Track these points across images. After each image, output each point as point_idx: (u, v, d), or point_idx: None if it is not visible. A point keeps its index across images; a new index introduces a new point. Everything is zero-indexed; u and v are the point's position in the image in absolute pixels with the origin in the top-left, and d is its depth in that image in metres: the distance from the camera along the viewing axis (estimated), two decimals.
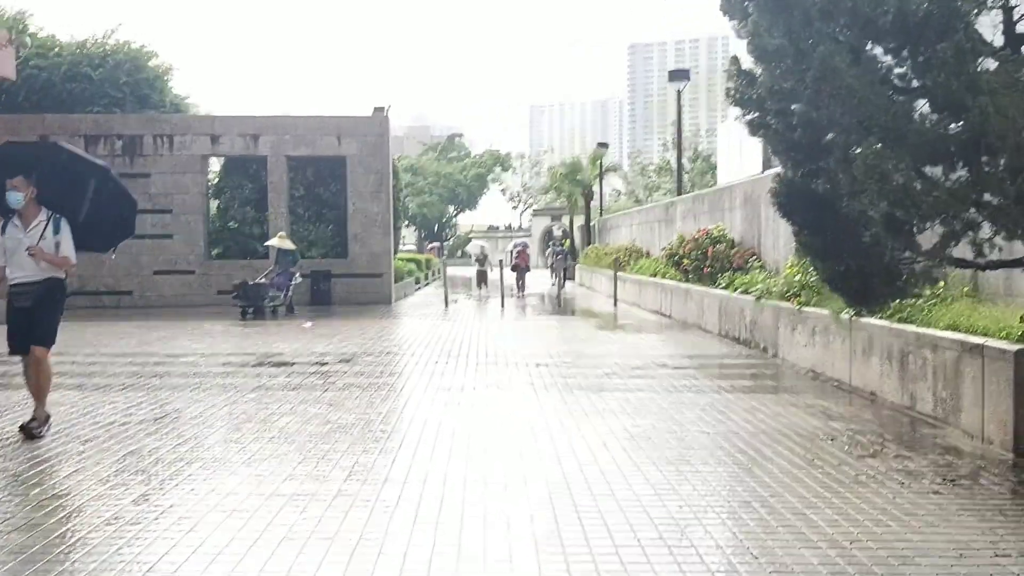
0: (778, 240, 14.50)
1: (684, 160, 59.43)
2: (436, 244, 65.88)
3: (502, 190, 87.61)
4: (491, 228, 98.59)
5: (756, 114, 6.54)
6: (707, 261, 16.37)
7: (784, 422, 7.71)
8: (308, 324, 17.47)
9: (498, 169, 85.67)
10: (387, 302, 24.09)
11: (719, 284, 15.42)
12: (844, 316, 9.72)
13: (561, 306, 23.39)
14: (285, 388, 9.56)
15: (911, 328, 8.23)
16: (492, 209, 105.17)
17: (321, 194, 24.84)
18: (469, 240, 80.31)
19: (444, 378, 10.36)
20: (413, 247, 71.75)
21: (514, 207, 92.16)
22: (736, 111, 7.31)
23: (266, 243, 22.31)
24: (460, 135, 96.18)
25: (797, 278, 11.66)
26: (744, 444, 6.85)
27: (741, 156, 37.17)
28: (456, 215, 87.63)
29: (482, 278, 27.88)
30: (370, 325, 17.36)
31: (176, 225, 24.02)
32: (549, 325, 17.42)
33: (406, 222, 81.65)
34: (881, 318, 8.89)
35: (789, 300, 11.65)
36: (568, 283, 38.53)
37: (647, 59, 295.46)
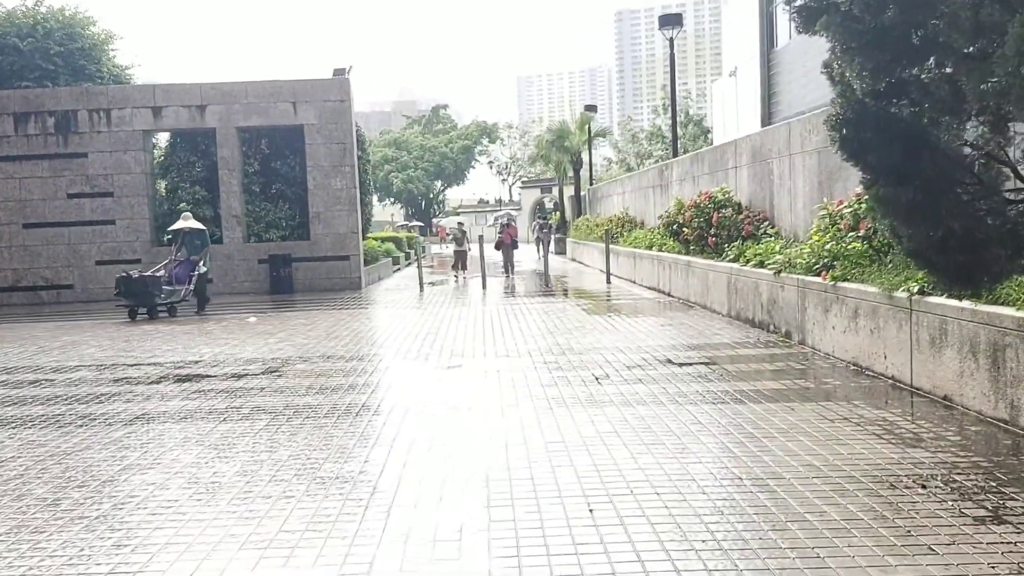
0: (795, 201, 12.21)
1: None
2: (418, 223, 63.29)
3: (490, 163, 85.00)
4: (481, 202, 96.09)
5: None
6: (711, 229, 14.08)
7: (843, 453, 5.47)
8: (252, 319, 15.19)
9: (485, 141, 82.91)
10: (356, 287, 21.79)
11: (727, 256, 13.14)
12: (901, 294, 7.46)
13: (548, 285, 21.11)
14: (173, 417, 7.30)
15: (1009, 312, 5.96)
16: (481, 183, 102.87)
17: (278, 169, 22.47)
18: (455, 214, 77.92)
19: (384, 395, 8.09)
20: (406, 224, 68.84)
21: (503, 180, 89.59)
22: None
23: (168, 229, 19.12)
24: (445, 106, 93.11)
25: (828, 246, 9.38)
26: (798, 501, 4.61)
27: (738, 115, 34.68)
28: (444, 190, 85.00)
29: (460, 259, 24.88)
30: (325, 318, 15.07)
31: (118, 209, 21.66)
32: (533, 310, 15.15)
33: (391, 199, 79.29)
34: (960, 298, 6.64)
35: (819, 274, 9.39)
36: (559, 258, 36.27)
37: (634, 26, 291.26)
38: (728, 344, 10.21)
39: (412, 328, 13.14)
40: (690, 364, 8.95)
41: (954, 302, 6.65)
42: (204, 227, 17.73)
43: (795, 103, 27.10)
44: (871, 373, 8.01)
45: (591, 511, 4.55)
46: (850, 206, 8.71)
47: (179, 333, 13.61)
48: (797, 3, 4.44)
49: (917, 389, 7.23)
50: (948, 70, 3.87)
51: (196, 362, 10.39)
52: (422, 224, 67.13)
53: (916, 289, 7.25)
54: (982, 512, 4.36)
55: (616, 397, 7.43)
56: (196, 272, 16.83)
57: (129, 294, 15.87)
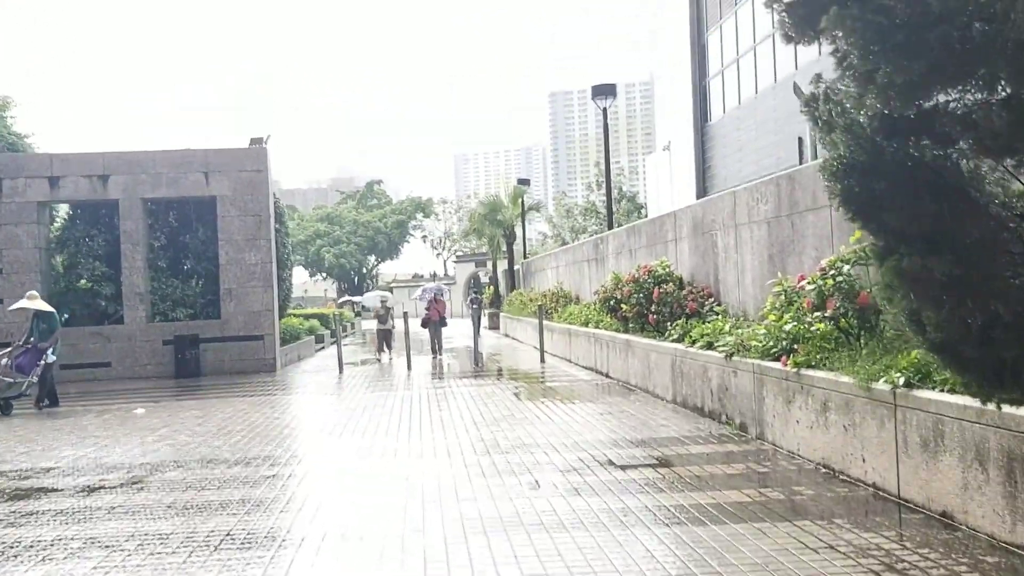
0: (743, 276, 11.16)
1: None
2: (348, 298, 61.40)
3: (423, 237, 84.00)
4: (416, 276, 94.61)
5: None
6: (652, 306, 12.94)
7: None
8: (139, 411, 13.42)
9: (420, 215, 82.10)
10: (270, 369, 20.07)
11: (670, 335, 11.98)
12: (882, 386, 6.30)
13: (479, 365, 19.70)
14: None
15: None
16: (416, 257, 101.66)
17: (187, 243, 20.84)
18: (388, 290, 76.28)
19: (259, 518, 6.56)
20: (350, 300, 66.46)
21: (437, 254, 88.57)
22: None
23: (10, 308, 16.91)
24: (380, 182, 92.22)
25: (788, 327, 8.23)
26: None
27: (673, 189, 34.28)
28: (377, 265, 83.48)
29: (384, 338, 22.92)
30: (223, 408, 13.39)
31: (7, 288, 19.71)
32: (460, 395, 13.74)
33: (323, 274, 77.40)
34: (956, 391, 5.49)
35: (778, 359, 8.23)
36: (493, 333, 34.94)
37: (567, 106, 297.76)
38: (677, 439, 8.92)
39: (319, 420, 11.60)
40: (635, 467, 7.62)
41: (954, 398, 5.49)
42: (53, 309, 15.32)
43: (730, 177, 26.65)
44: (847, 478, 6.79)
45: None
46: (813, 282, 7.62)
47: (46, 430, 11.81)
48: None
49: (906, 501, 6.01)
50: (1005, 91, 2.78)
51: (49, 470, 8.68)
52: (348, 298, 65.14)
53: (902, 380, 6.10)
54: None
55: (548, 517, 6.03)
56: (43, 361, 14.39)
57: None
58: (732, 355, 9.34)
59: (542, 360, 19.35)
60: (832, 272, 7.45)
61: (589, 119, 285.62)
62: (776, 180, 10.10)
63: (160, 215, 20.76)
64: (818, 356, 7.68)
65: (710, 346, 10.23)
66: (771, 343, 8.56)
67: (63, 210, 21.80)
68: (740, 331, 9.64)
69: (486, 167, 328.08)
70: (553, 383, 15.07)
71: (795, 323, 8.12)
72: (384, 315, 22.88)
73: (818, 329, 7.84)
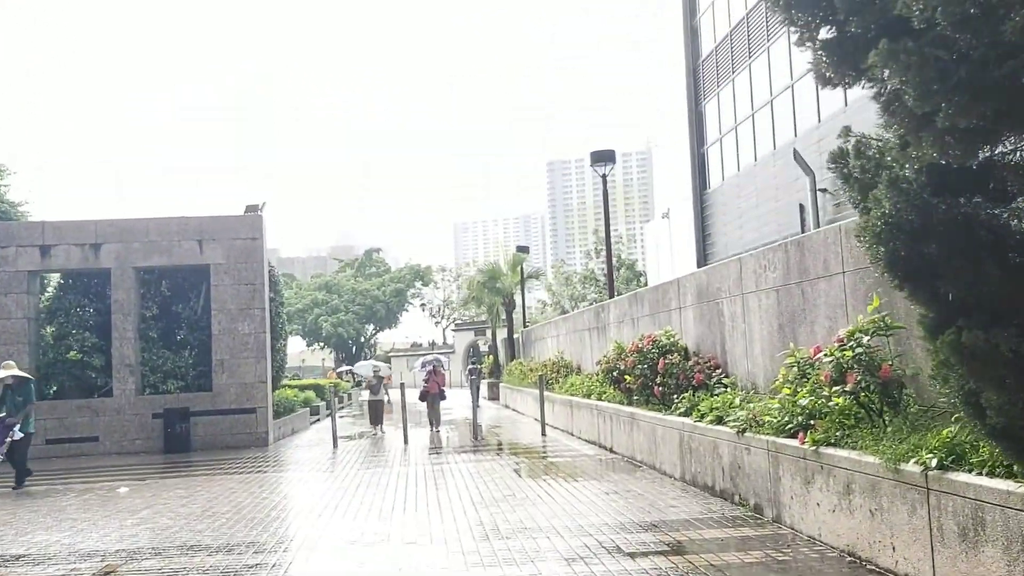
0: (751, 346, 10.73)
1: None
2: (346, 368, 60.73)
3: (422, 305, 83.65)
4: (414, 345, 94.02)
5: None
6: (657, 377, 12.47)
7: None
8: (123, 490, 12.84)
9: (419, 284, 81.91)
10: (262, 444, 19.45)
11: (677, 409, 11.49)
12: (912, 467, 5.83)
13: (478, 439, 19.10)
14: None
15: None
16: (414, 326, 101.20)
17: (180, 312, 20.42)
18: (386, 360, 75.54)
19: None
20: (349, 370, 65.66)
21: (436, 323, 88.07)
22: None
23: None
24: (379, 250, 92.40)
25: (805, 402, 7.77)
26: None
27: (672, 256, 34.09)
28: (376, 334, 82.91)
29: (376, 411, 21.70)
30: (210, 487, 12.81)
31: None
32: (458, 472, 13.16)
33: (320, 343, 76.78)
34: (996, 474, 5.03)
35: (794, 435, 7.77)
36: (492, 404, 34.28)
37: (565, 175, 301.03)
38: (688, 522, 8.38)
39: (309, 500, 11.02)
40: (645, 554, 7.08)
41: (996, 483, 5.02)
42: (31, 378, 14.58)
43: (731, 245, 26.42)
44: (876, 569, 6.26)
45: None
46: (831, 354, 7.19)
47: (22, 511, 11.22)
48: (824, 36, 2.91)
49: None
50: None
51: (18, 557, 8.11)
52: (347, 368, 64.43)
53: (934, 462, 5.63)
54: None
55: None
56: (10, 437, 13.55)
57: None
58: (744, 431, 8.86)
59: (543, 433, 18.78)
60: (851, 343, 7.03)
61: (587, 188, 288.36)
62: (784, 246, 9.75)
63: (152, 284, 20.38)
64: (838, 433, 7.22)
65: (720, 421, 9.75)
66: (786, 418, 8.10)
67: (55, 279, 21.43)
68: (752, 405, 9.18)
69: (485, 235, 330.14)
70: (555, 458, 14.50)
71: (812, 397, 7.67)
72: (376, 386, 22.04)
73: (837, 404, 7.39)
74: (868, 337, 7.02)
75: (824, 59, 3.01)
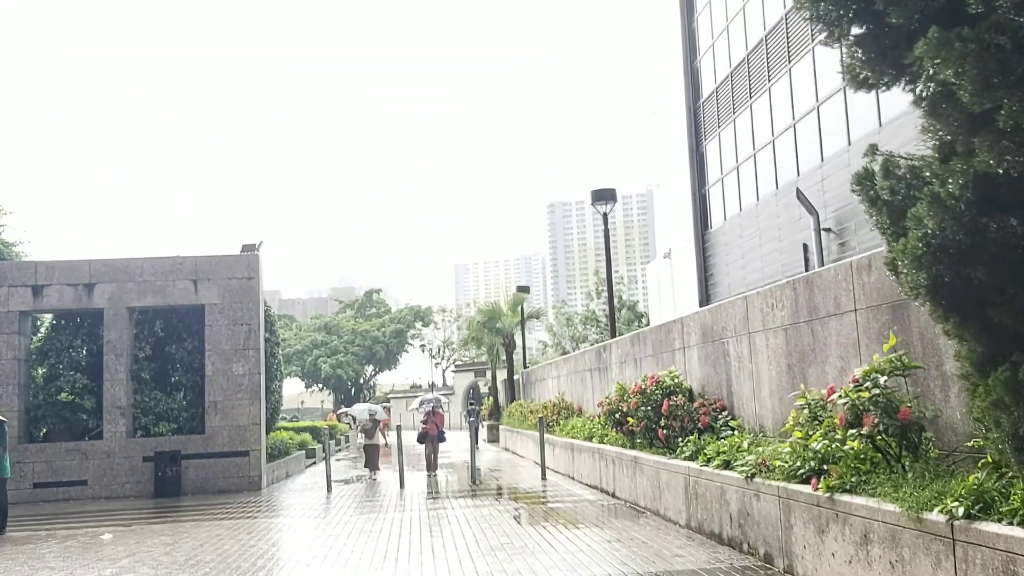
0: (759, 388, 10.36)
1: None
2: (345, 410, 59.99)
3: (422, 346, 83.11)
4: (414, 387, 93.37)
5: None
6: (661, 420, 12.07)
7: None
8: (106, 536, 12.37)
9: (419, 324, 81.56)
10: (255, 488, 18.96)
11: (682, 452, 11.08)
12: (936, 516, 5.44)
13: (477, 483, 18.60)
14: None
15: None
16: (414, 367, 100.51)
17: (173, 353, 20.05)
18: (385, 401, 74.89)
19: None
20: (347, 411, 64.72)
21: (436, 364, 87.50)
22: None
23: None
24: (379, 291, 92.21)
25: (818, 446, 7.39)
26: None
27: (674, 297, 33.76)
28: (375, 375, 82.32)
29: (372, 456, 20.97)
30: (197, 533, 12.35)
31: None
32: (455, 518, 12.70)
33: (319, 384, 76.16)
34: (1023, 523, 4.65)
35: (807, 481, 7.38)
36: (492, 447, 33.73)
37: (566, 216, 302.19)
38: (694, 572, 7.95)
39: (298, 549, 10.57)
40: None
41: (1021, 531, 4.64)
42: (3, 419, 14.12)
43: (734, 284, 26.12)
44: None
45: None
46: (846, 395, 6.83)
47: (1, 557, 10.75)
48: (857, 32, 2.60)
49: None
50: None
51: None
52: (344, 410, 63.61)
53: (960, 510, 5.24)
54: None
55: None
56: None
57: None
58: (753, 476, 8.46)
59: (543, 477, 18.30)
60: (867, 383, 6.67)
61: (587, 229, 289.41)
62: (792, 284, 9.44)
63: (146, 324, 20.04)
64: (854, 479, 6.83)
65: (727, 465, 9.35)
66: (798, 463, 7.71)
67: (47, 319, 21.09)
68: (761, 449, 8.79)
69: (486, 276, 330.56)
70: (556, 503, 14.04)
71: (825, 441, 7.28)
72: (371, 429, 21.32)
73: (852, 448, 7.01)
74: (885, 377, 6.66)
75: (859, 56, 2.71)
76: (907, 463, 6.52)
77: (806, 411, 8.28)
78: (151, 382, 19.76)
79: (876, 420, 6.50)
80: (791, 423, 8.44)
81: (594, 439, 16.32)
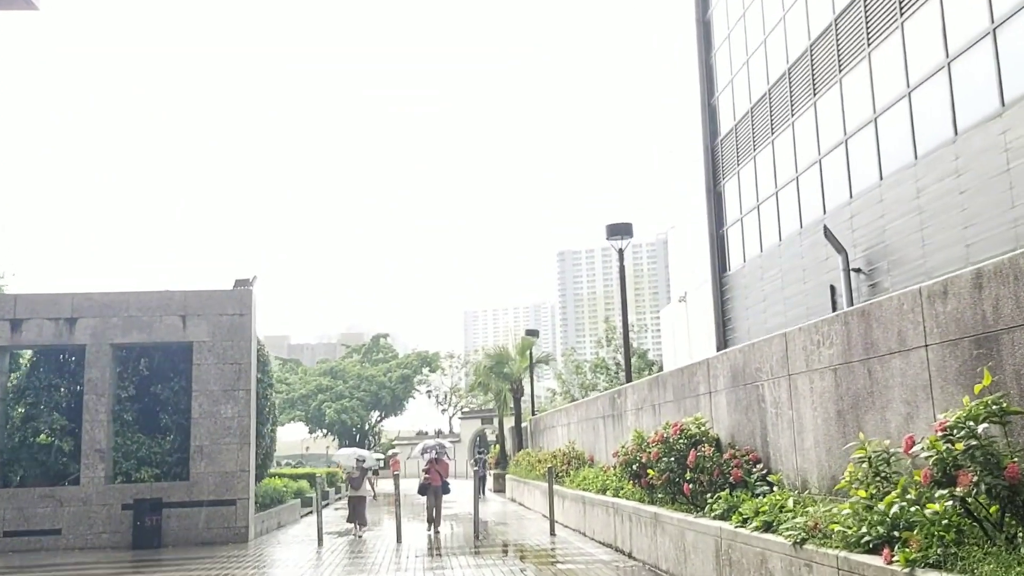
0: (801, 437, 9.06)
1: (619, 356, 55.02)
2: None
3: (428, 392, 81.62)
4: (420, 433, 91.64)
5: None
6: (687, 473, 10.74)
7: None
8: None
9: (426, 370, 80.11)
10: (242, 540, 17.57)
11: (712, 511, 9.73)
12: None
13: (479, 538, 17.17)
14: None
15: None
16: (420, 413, 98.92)
17: (158, 393, 18.82)
18: (392, 446, 73.22)
19: None
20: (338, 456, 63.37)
21: (443, 410, 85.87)
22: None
23: None
24: (386, 335, 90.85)
25: (893, 509, 6.09)
26: None
27: (690, 342, 32.37)
28: (381, 421, 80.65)
29: (357, 509, 18.31)
30: None
31: None
32: None
33: (323, 430, 74.59)
34: None
35: (875, 551, 6.06)
36: (498, 497, 32.21)
37: (575, 265, 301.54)
38: None
39: None
40: None
41: None
42: None
43: (754, 329, 24.82)
44: None
45: None
46: (932, 447, 5.55)
47: None
48: None
49: None
50: None
51: None
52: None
53: None
54: None
55: None
56: None
57: None
58: (804, 542, 7.13)
59: (552, 532, 16.89)
60: (961, 432, 5.39)
61: (597, 277, 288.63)
62: (843, 317, 8.19)
63: (130, 362, 18.85)
64: (938, 551, 5.52)
65: (769, 528, 8.02)
66: (863, 529, 6.40)
67: (27, 355, 19.91)
68: (811, 510, 7.47)
69: (495, 323, 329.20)
70: (566, 564, 12.64)
71: (902, 503, 5.98)
72: (359, 479, 18.65)
73: (935, 512, 5.70)
74: (983, 426, 5.39)
75: None
76: (1012, 531, 5.22)
77: (865, 465, 7.01)
78: (134, 424, 18.51)
79: (976, 478, 5.20)
80: (847, 479, 7.14)
81: (608, 492, 14.95)
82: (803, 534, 7.19)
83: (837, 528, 6.74)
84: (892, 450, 6.99)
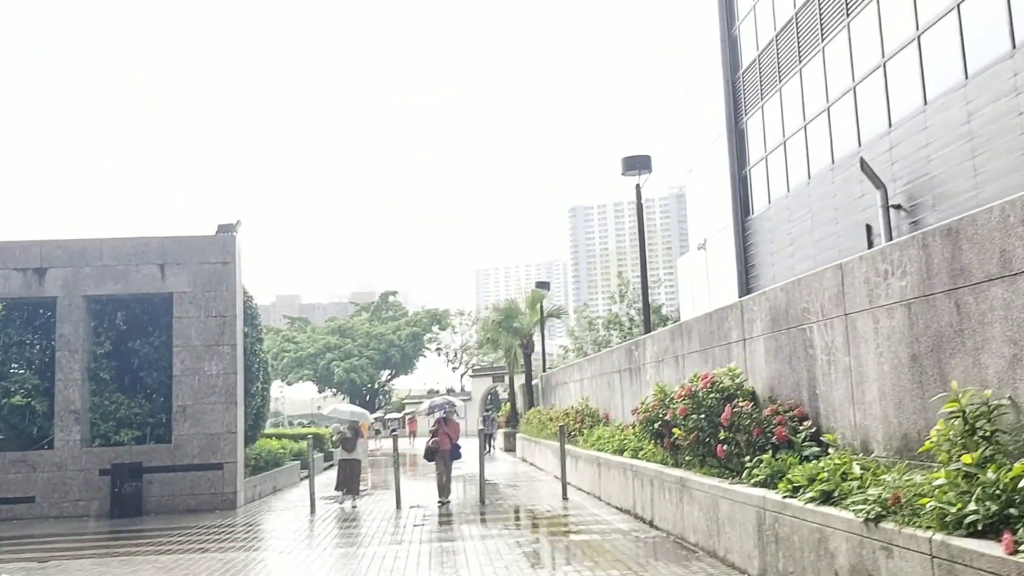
0: (862, 388, 7.51)
1: (632, 311, 53.39)
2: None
3: (439, 350, 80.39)
4: (431, 392, 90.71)
5: None
6: (720, 432, 9.23)
7: None
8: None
9: (436, 328, 78.86)
10: (230, 506, 16.28)
11: (752, 476, 8.23)
12: None
13: (485, 503, 15.81)
14: None
15: None
16: (431, 372, 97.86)
17: (137, 350, 17.41)
18: (402, 406, 72.24)
19: None
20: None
21: (454, 368, 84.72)
22: None
23: None
24: (395, 293, 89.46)
25: (1006, 477, 4.56)
26: None
27: (709, 292, 30.76)
28: (391, 379, 79.63)
29: (349, 474, 16.35)
30: (135, 572, 9.67)
31: None
32: (458, 551, 9.98)
33: (332, 389, 73.66)
34: None
35: (983, 535, 4.56)
36: (508, 456, 30.98)
37: (587, 220, 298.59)
38: None
39: None
40: None
41: None
42: None
43: (779, 275, 23.15)
44: None
45: None
46: None
47: None
48: None
49: None
50: None
51: None
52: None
53: None
54: None
55: None
56: None
57: None
58: (880, 519, 5.63)
59: (564, 496, 15.53)
60: None
61: (609, 233, 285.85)
62: (921, 239, 6.59)
63: (106, 316, 17.42)
64: None
65: (829, 499, 6.53)
66: (963, 504, 4.88)
67: None
68: (890, 478, 5.95)
69: (507, 281, 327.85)
70: (579, 534, 11.24)
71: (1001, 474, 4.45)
72: (351, 440, 16.50)
73: None
74: None
75: None
76: None
77: (958, 422, 5.49)
78: (111, 383, 17.13)
79: None
80: (935, 440, 5.63)
81: (626, 453, 13.50)
82: (878, 508, 5.69)
83: (928, 503, 5.22)
84: (994, 402, 5.48)
